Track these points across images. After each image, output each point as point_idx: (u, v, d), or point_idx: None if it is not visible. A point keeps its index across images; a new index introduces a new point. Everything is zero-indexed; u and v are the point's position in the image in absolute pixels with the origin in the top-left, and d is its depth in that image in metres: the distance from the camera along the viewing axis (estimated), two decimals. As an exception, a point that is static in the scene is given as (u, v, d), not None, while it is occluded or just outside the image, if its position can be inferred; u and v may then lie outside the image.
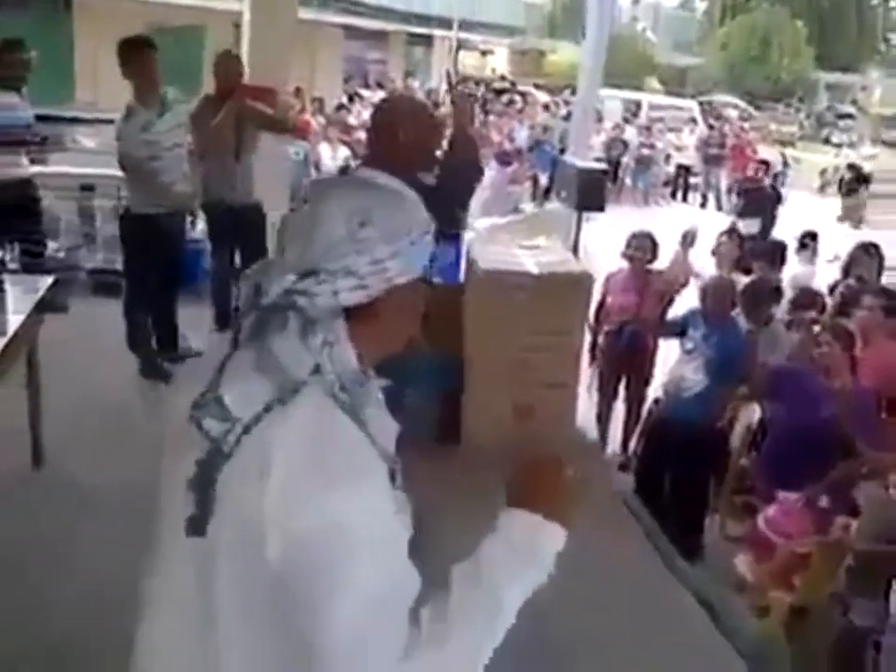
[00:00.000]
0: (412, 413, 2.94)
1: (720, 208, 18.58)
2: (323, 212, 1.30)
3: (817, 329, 5.45)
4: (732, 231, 8.72)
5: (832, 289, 6.87)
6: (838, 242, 8.93)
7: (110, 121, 5.65)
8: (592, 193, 6.62)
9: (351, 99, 18.71)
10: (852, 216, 17.99)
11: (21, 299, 4.09)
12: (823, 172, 22.21)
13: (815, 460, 4.55)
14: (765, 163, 14.62)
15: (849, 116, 38.34)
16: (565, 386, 4.98)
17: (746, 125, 25.57)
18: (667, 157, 20.10)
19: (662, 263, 5.97)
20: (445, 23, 28.37)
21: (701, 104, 27.92)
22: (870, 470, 4.44)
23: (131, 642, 1.41)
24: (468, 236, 6.29)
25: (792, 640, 3.78)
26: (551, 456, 1.42)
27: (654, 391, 5.99)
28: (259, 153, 5.76)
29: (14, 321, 3.87)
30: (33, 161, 6.17)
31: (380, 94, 17.75)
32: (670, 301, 5.78)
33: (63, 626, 3.17)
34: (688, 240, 5.60)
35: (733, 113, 29.80)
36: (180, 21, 16.78)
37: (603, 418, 6.36)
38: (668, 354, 5.78)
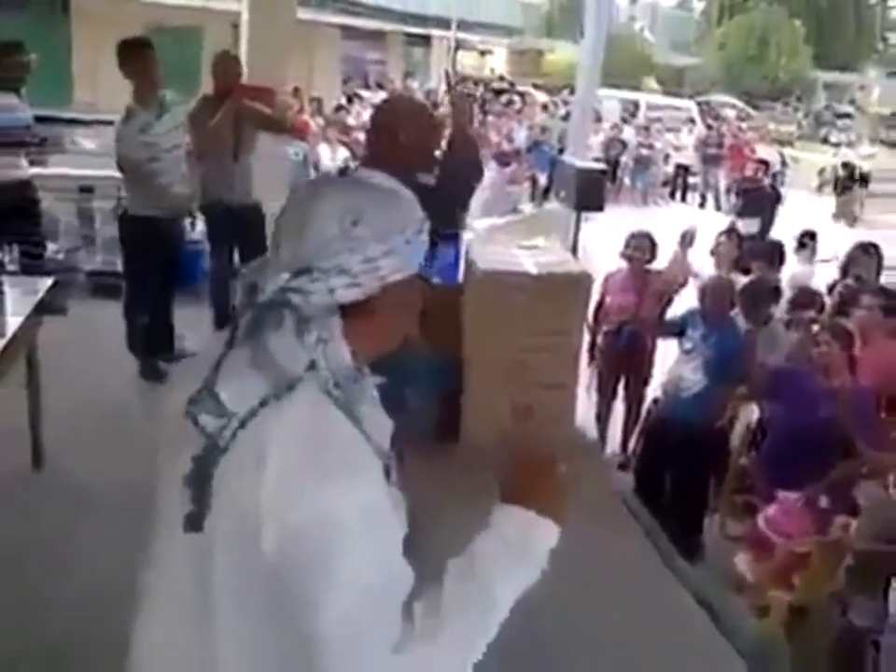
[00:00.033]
0: (411, 413, 2.94)
1: (718, 208, 18.59)
2: (316, 211, 1.32)
3: (815, 328, 5.45)
4: (731, 230, 8.72)
5: (830, 289, 6.87)
6: (835, 242, 8.90)
7: (109, 123, 5.66)
8: (591, 193, 6.63)
9: (350, 100, 18.70)
10: (846, 213, 18.01)
11: (20, 300, 4.09)
12: (822, 171, 22.22)
13: (814, 460, 4.55)
14: (765, 163, 14.62)
15: (848, 115, 38.38)
16: (564, 387, 4.98)
17: (744, 125, 25.59)
18: (666, 157, 20.11)
19: (661, 263, 5.97)
20: (443, 23, 28.33)
21: (699, 103, 27.94)
22: (869, 470, 4.44)
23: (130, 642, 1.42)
24: (467, 236, 6.30)
25: (792, 640, 3.78)
26: (544, 454, 1.43)
27: (653, 391, 5.99)
28: (257, 153, 5.76)
29: (13, 323, 3.88)
30: (32, 163, 6.17)
31: (380, 95, 17.75)
32: (669, 301, 5.78)
33: (62, 626, 3.18)
34: (687, 240, 5.60)
35: (731, 113, 29.85)
36: (178, 21, 16.79)
37: (602, 418, 6.37)
38: (667, 354, 5.78)
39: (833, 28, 45.44)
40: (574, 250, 6.44)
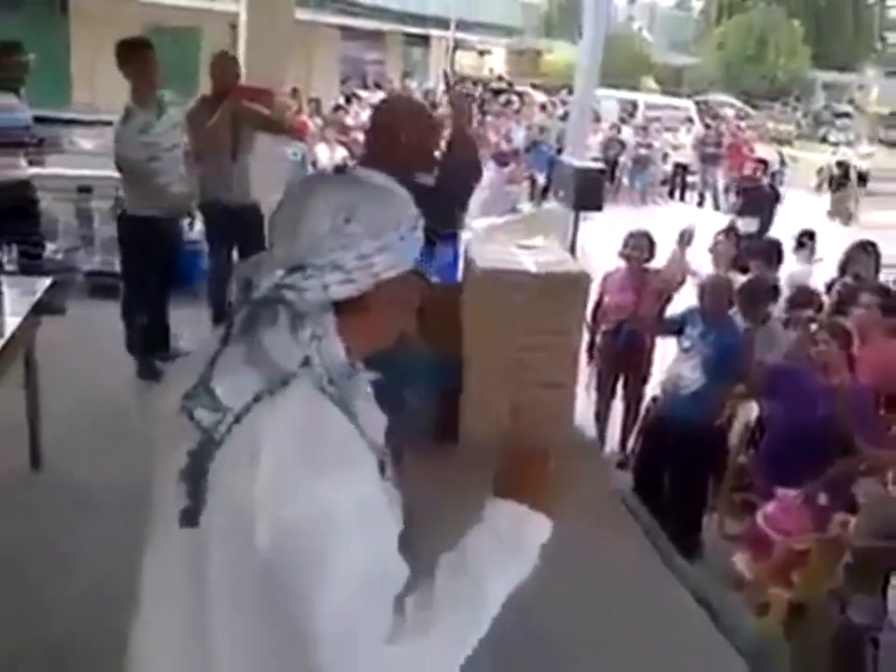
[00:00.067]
0: (411, 412, 2.95)
1: (717, 207, 18.60)
2: (309, 208, 1.32)
3: (814, 327, 5.45)
4: (729, 230, 8.72)
5: (829, 288, 6.88)
6: (829, 241, 8.89)
7: (108, 123, 5.65)
8: (589, 193, 6.63)
9: (348, 100, 18.69)
10: (841, 211, 17.98)
11: (18, 301, 4.09)
12: (820, 171, 22.22)
13: (813, 458, 4.55)
14: (764, 163, 14.63)
15: (846, 115, 38.43)
16: (563, 386, 4.99)
17: (742, 124, 25.61)
18: (664, 156, 20.11)
19: (659, 262, 5.97)
20: (442, 23, 28.33)
21: (697, 103, 27.95)
22: (868, 467, 4.44)
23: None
24: (465, 236, 6.30)
25: (791, 638, 3.78)
26: (537, 449, 1.43)
27: (652, 389, 5.99)
28: (255, 154, 5.76)
29: (11, 323, 3.87)
30: (30, 163, 6.17)
31: (378, 95, 17.75)
32: (668, 300, 5.78)
33: (62, 626, 3.18)
34: (685, 239, 5.60)
35: (729, 112, 29.84)
36: (176, 22, 16.80)
37: (601, 417, 6.37)
38: (666, 352, 5.78)
39: (832, 28, 45.47)
40: (573, 250, 6.44)
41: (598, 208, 6.89)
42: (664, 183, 20.17)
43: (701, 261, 6.64)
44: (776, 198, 12.92)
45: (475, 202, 9.33)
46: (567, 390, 5.03)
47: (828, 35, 44.80)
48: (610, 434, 6.38)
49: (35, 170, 6.24)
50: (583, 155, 8.32)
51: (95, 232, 7.37)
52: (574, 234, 6.72)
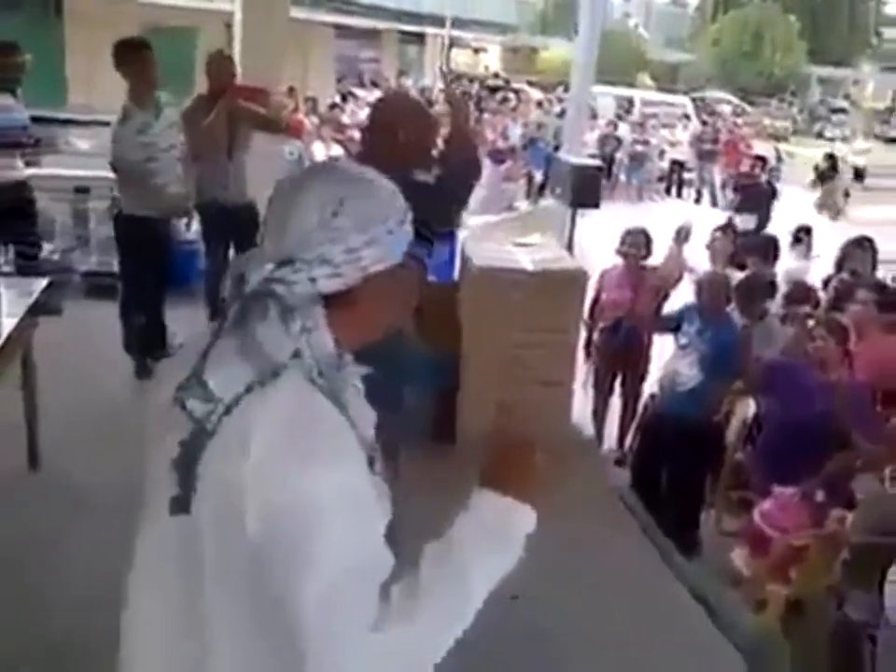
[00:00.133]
0: (408, 412, 2.95)
1: (714, 203, 18.60)
2: (298, 202, 1.34)
3: (811, 323, 5.46)
4: (726, 226, 8.71)
5: (825, 284, 6.88)
6: (817, 237, 8.87)
7: (104, 123, 5.65)
8: (586, 190, 6.64)
9: (344, 98, 18.67)
10: (828, 204, 17.96)
11: (15, 301, 4.09)
12: (816, 167, 22.22)
13: (810, 454, 4.55)
14: (762, 159, 14.65)
15: (842, 110, 38.44)
16: (560, 383, 5.00)
17: (739, 120, 25.66)
18: (661, 153, 20.10)
19: (656, 259, 5.97)
20: (438, 21, 28.33)
21: (694, 99, 27.98)
22: (865, 463, 4.44)
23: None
24: (462, 234, 6.30)
25: (789, 634, 3.79)
26: (523, 441, 1.44)
27: (650, 386, 5.99)
28: (252, 152, 5.77)
29: (8, 324, 3.88)
30: (27, 164, 6.16)
31: (374, 93, 17.75)
32: (665, 297, 5.79)
33: (62, 626, 3.18)
34: (682, 236, 5.60)
35: (726, 108, 29.83)
36: (172, 22, 16.78)
37: (599, 414, 6.36)
38: (664, 349, 5.79)
39: (828, 23, 45.48)
40: (570, 247, 6.45)
41: (595, 205, 6.90)
42: (660, 180, 20.17)
43: (698, 258, 6.64)
44: (773, 194, 12.94)
45: (472, 199, 9.33)
46: (564, 388, 5.04)
47: (823, 31, 44.80)
48: (608, 431, 6.38)
49: (31, 170, 6.24)
50: (580, 152, 8.35)
51: (91, 233, 7.37)
52: (571, 232, 6.73)
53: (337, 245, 1.32)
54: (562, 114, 16.86)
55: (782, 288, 6.45)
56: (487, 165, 13.65)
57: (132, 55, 5.22)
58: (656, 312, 5.66)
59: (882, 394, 4.80)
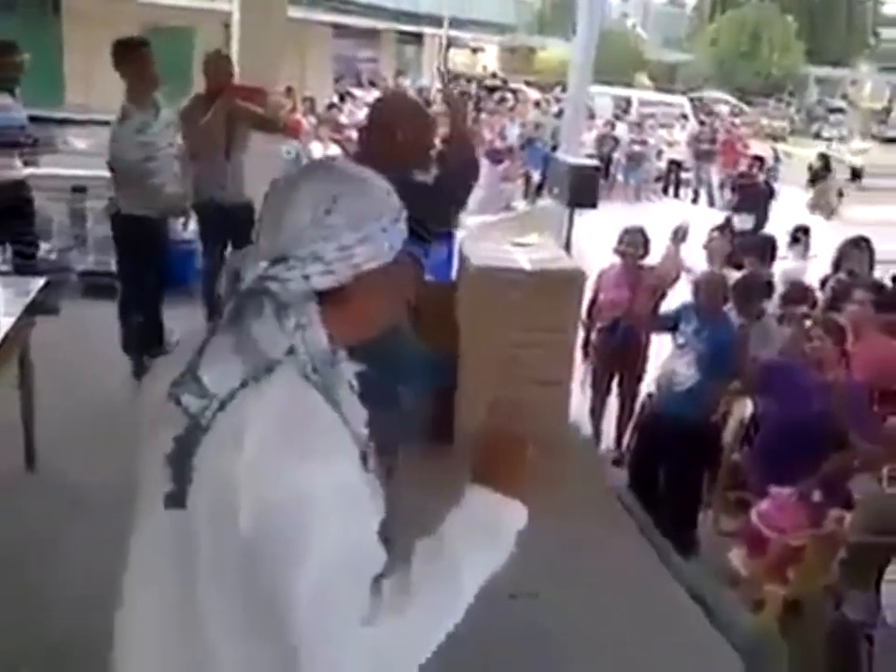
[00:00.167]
0: (406, 412, 2.95)
1: (711, 203, 18.61)
2: (292, 200, 1.35)
3: (808, 323, 5.47)
4: (723, 226, 8.73)
5: (822, 284, 6.89)
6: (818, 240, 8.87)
7: (101, 123, 5.65)
8: (584, 190, 6.64)
9: (342, 98, 18.65)
10: (821, 204, 17.95)
11: (12, 301, 4.10)
12: (810, 166, 22.23)
13: (807, 454, 4.56)
14: (760, 159, 14.66)
15: (840, 110, 38.44)
16: (558, 383, 5.00)
17: (737, 120, 25.64)
18: (659, 153, 20.09)
19: (654, 259, 5.97)
20: (436, 21, 28.29)
21: (691, 99, 27.97)
22: (862, 463, 4.45)
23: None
24: (460, 234, 6.31)
25: (787, 634, 3.79)
26: (514, 437, 1.45)
27: (647, 386, 6.00)
28: (249, 152, 5.76)
29: (5, 323, 3.88)
30: (25, 164, 6.16)
31: (372, 93, 17.73)
32: (662, 297, 5.79)
33: (62, 626, 3.18)
34: (679, 235, 5.60)
35: (723, 108, 29.83)
36: (170, 21, 16.76)
37: (596, 414, 6.37)
38: (661, 349, 5.79)
39: (825, 23, 45.48)
40: (567, 247, 6.45)
41: (593, 205, 6.90)
42: (658, 180, 20.17)
43: (695, 258, 6.64)
44: (771, 194, 12.95)
45: (470, 199, 9.33)
46: (562, 387, 5.04)
47: (821, 31, 44.80)
48: (606, 431, 6.38)
49: (29, 170, 6.24)
50: (578, 152, 8.35)
51: (89, 232, 7.36)
52: (569, 231, 6.73)
53: (330, 243, 1.32)
54: (560, 114, 16.88)
55: (779, 288, 6.46)
56: (485, 165, 13.64)
57: (131, 54, 5.22)
58: (653, 311, 5.67)
59: (879, 394, 4.81)
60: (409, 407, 2.95)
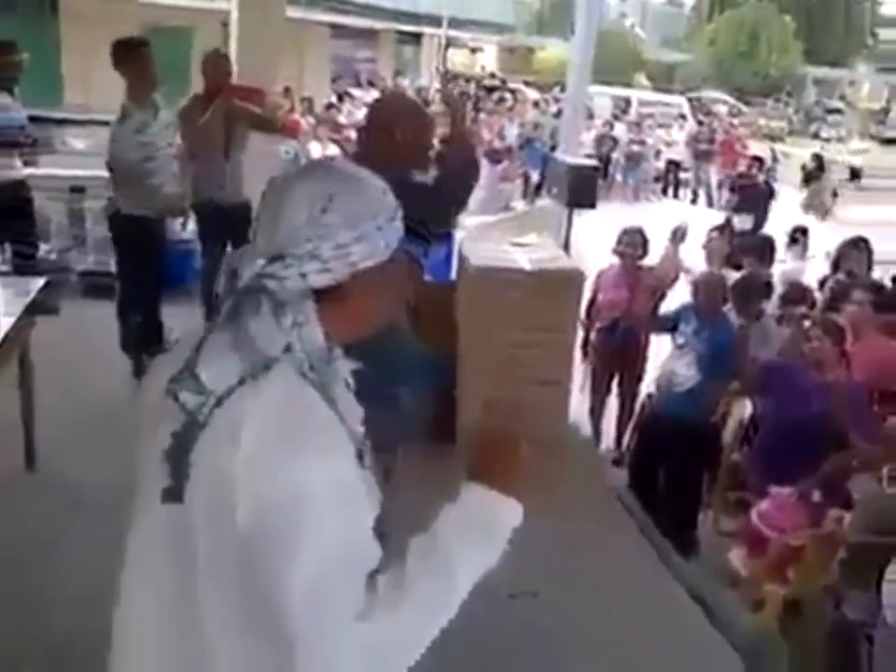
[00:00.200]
0: (407, 412, 2.95)
1: (710, 204, 18.63)
2: (288, 199, 1.36)
3: (807, 323, 5.47)
4: (722, 226, 8.73)
5: (821, 284, 6.89)
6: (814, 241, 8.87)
7: (100, 123, 5.65)
8: (583, 190, 6.64)
9: (340, 98, 18.65)
10: (815, 204, 17.95)
11: (12, 301, 4.10)
12: (804, 166, 22.23)
13: (807, 454, 4.56)
14: (759, 159, 14.67)
15: (838, 111, 38.46)
16: (557, 383, 4.99)
17: (735, 121, 25.67)
18: (657, 153, 20.11)
19: (653, 259, 5.97)
20: (434, 21, 28.30)
21: (690, 100, 28.00)
22: (862, 463, 4.45)
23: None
24: (459, 234, 6.30)
25: (787, 634, 3.79)
26: (508, 435, 1.45)
27: (647, 386, 6.00)
28: (248, 152, 5.76)
29: (5, 323, 3.88)
30: (25, 164, 6.15)
31: (371, 93, 17.73)
32: (661, 297, 5.79)
33: (62, 626, 3.18)
34: (678, 236, 5.60)
35: (722, 109, 29.85)
36: (168, 21, 16.76)
37: (596, 414, 6.37)
38: (660, 349, 5.79)
39: (823, 23, 45.49)
40: (566, 247, 6.44)
41: (592, 205, 6.89)
42: (657, 180, 20.18)
43: (694, 258, 6.65)
44: (770, 194, 12.96)
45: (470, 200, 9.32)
46: (561, 387, 5.03)
47: (819, 31, 44.81)
48: (605, 431, 6.39)
49: (28, 170, 6.23)
50: (577, 152, 8.34)
51: (88, 232, 7.36)
52: (567, 231, 6.73)
53: (326, 241, 1.33)
54: (558, 114, 16.90)
55: (778, 289, 6.46)
56: (484, 165, 13.62)
57: (131, 54, 5.22)
58: (653, 312, 5.67)
59: (878, 394, 4.81)
60: (407, 406, 2.95)
